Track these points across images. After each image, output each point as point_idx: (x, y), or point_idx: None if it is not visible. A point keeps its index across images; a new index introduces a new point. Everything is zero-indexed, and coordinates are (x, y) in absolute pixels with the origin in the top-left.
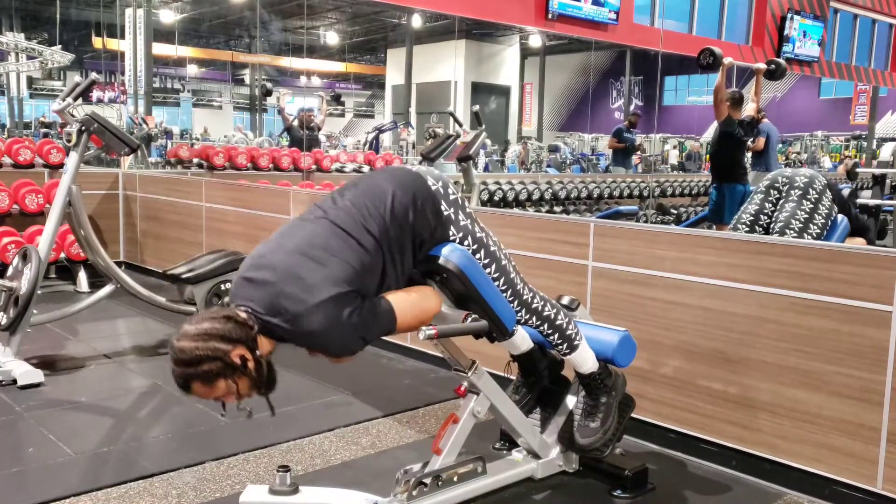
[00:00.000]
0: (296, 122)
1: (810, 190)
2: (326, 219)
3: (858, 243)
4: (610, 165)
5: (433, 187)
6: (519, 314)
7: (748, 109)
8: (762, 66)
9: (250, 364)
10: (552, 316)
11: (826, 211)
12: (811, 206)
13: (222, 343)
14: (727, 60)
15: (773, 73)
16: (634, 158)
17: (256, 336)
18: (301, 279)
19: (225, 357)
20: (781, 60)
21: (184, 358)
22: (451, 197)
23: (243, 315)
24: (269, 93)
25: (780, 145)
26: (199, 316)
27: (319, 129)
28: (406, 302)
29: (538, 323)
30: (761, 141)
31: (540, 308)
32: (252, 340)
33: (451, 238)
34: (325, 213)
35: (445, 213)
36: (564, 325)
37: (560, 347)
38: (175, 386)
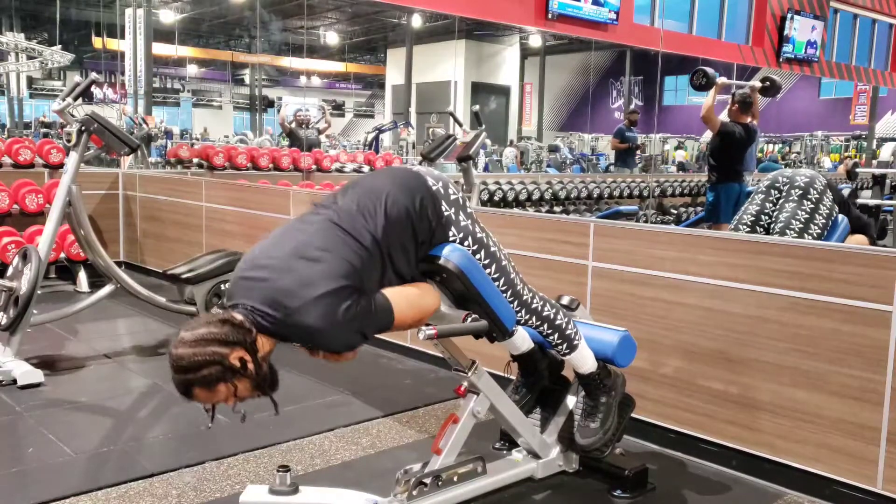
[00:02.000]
0: (294, 125)
1: (811, 190)
2: (326, 218)
3: (860, 241)
4: (612, 166)
5: (433, 187)
6: (519, 314)
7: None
8: (757, 84)
9: (250, 366)
10: (551, 316)
11: (827, 211)
12: (812, 206)
13: (221, 347)
14: (720, 80)
15: (768, 91)
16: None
17: (255, 337)
18: (298, 275)
19: (224, 360)
20: (776, 78)
21: (183, 364)
22: (452, 197)
23: (239, 317)
24: (271, 104)
25: (781, 145)
26: (196, 322)
27: (321, 133)
28: (404, 298)
29: (538, 323)
30: None
31: (539, 308)
32: (251, 342)
33: (452, 238)
34: (325, 213)
35: (446, 213)
36: (564, 325)
37: (559, 347)
38: (175, 388)
